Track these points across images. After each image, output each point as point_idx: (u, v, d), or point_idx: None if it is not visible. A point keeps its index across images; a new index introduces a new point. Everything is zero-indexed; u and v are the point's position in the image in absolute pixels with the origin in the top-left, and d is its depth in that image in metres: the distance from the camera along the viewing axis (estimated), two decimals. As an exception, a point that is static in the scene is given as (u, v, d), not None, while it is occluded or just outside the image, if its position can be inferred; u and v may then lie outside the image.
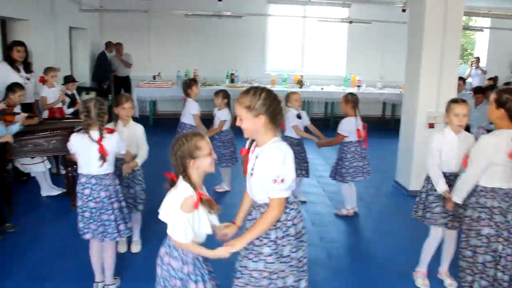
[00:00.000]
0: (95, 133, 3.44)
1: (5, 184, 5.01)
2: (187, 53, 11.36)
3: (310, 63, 12.03)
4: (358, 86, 10.80)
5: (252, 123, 2.45)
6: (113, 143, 3.51)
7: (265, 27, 11.55)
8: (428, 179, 3.81)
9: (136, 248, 4.41)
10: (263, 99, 2.44)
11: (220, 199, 5.91)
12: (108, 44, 10.65)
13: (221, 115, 5.90)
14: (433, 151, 3.69)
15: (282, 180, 2.40)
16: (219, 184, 6.21)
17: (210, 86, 10.70)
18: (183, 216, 2.43)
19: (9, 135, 4.70)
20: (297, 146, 5.46)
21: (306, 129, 5.66)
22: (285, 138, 5.52)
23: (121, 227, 3.57)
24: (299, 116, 5.45)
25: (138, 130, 4.22)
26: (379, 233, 5.04)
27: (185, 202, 2.42)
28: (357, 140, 5.23)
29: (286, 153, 2.45)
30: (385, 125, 11.10)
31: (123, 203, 3.66)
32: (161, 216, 2.53)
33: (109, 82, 10.50)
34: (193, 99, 6.01)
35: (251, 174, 2.53)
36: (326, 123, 10.46)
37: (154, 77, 11.01)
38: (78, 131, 3.62)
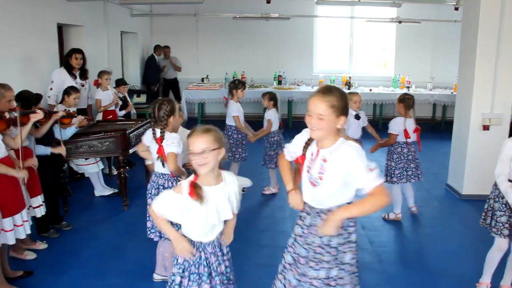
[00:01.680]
0: (158, 131, 3.55)
1: (62, 184, 5.19)
2: (234, 56, 11.45)
3: (358, 64, 11.88)
4: (408, 87, 10.57)
5: (333, 123, 2.38)
6: (172, 143, 3.51)
7: (313, 28, 11.49)
8: (496, 184, 3.56)
9: None
10: (345, 99, 2.40)
11: (268, 201, 5.94)
12: (157, 47, 10.86)
13: (268, 116, 5.93)
14: (505, 159, 3.41)
15: (373, 169, 2.34)
16: (266, 186, 6.22)
17: (258, 88, 10.75)
18: (173, 192, 2.47)
19: (63, 148, 4.83)
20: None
21: (364, 130, 5.60)
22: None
23: None
24: (357, 117, 5.40)
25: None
26: (431, 238, 4.91)
27: (180, 184, 2.50)
28: (404, 142, 5.15)
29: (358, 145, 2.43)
30: (435, 127, 10.84)
31: None
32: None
33: (158, 85, 10.71)
34: (234, 100, 6.00)
35: (320, 178, 2.45)
36: (374, 124, 10.25)
37: (202, 80, 11.15)
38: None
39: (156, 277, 3.91)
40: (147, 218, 3.63)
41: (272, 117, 5.90)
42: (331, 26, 11.86)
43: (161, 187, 3.59)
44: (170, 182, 3.59)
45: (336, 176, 2.39)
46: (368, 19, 10.48)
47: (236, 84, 6.01)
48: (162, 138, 3.50)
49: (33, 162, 4.11)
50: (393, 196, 5.21)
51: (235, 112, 5.89)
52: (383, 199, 2.35)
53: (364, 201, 2.38)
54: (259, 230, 5.05)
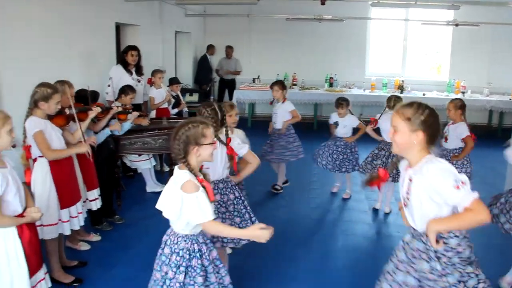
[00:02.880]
0: (223, 136, 3.44)
1: (116, 179, 5.34)
2: (286, 57, 11.47)
3: (411, 67, 11.64)
4: (463, 92, 10.26)
5: (407, 137, 2.32)
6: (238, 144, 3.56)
7: (366, 30, 11.36)
8: None
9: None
10: (426, 115, 2.30)
11: (345, 204, 5.95)
12: (209, 47, 10.99)
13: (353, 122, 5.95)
14: None
15: (462, 182, 2.20)
16: (335, 186, 6.28)
17: (309, 90, 10.72)
18: (195, 195, 2.45)
19: (118, 124, 5.05)
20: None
21: None
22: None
23: None
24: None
25: (241, 135, 4.25)
26: (484, 248, 4.75)
27: (186, 185, 2.46)
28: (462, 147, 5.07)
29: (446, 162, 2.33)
30: (492, 134, 10.47)
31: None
32: (166, 211, 2.60)
33: (210, 84, 10.84)
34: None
35: (407, 198, 2.39)
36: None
37: (253, 80, 11.22)
38: None
39: None
40: None
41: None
42: (385, 28, 11.68)
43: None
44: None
45: (422, 197, 2.31)
46: (423, 21, 10.25)
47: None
48: (230, 139, 3.43)
49: (93, 139, 4.24)
50: None
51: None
52: (479, 217, 2.20)
53: (461, 215, 2.24)
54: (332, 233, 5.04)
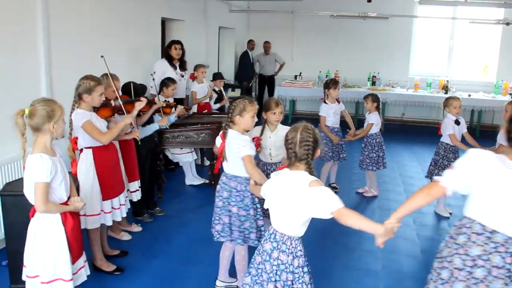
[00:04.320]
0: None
1: (157, 171, 5.44)
2: (329, 54, 11.38)
3: (457, 67, 11.34)
4: (511, 94, 9.94)
5: None
6: (244, 146, 3.35)
7: (411, 29, 11.13)
8: None
9: None
10: None
11: (369, 203, 5.91)
12: (249, 42, 10.97)
13: (370, 119, 5.89)
14: None
15: None
16: (362, 187, 6.21)
17: (351, 88, 10.61)
18: (324, 187, 2.49)
19: (166, 119, 5.13)
20: (452, 154, 5.32)
21: (462, 137, 5.37)
22: (440, 144, 5.41)
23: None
24: (457, 122, 5.25)
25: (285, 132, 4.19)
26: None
27: (315, 182, 2.48)
28: None
29: None
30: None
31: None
32: (287, 217, 2.54)
33: (252, 80, 10.84)
34: (329, 101, 5.93)
35: None
36: (471, 132, 9.74)
37: (295, 77, 11.18)
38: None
39: (220, 284, 3.77)
40: (217, 221, 3.55)
41: (375, 121, 5.86)
42: (431, 26, 11.41)
43: (234, 189, 3.46)
44: (243, 185, 3.44)
45: None
46: (471, 20, 9.96)
47: (327, 83, 6.01)
48: (224, 134, 3.42)
49: (137, 133, 4.33)
50: None
51: (321, 112, 5.93)
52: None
53: None
54: (347, 232, 5.00)
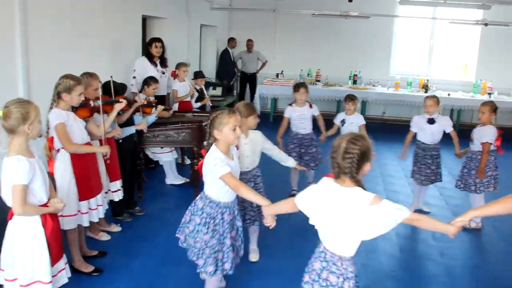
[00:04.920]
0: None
1: (138, 171, 5.40)
2: (311, 53, 11.41)
3: (437, 67, 11.47)
4: (489, 93, 10.07)
5: None
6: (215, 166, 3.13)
7: (392, 28, 11.22)
8: None
9: (254, 257, 4.30)
10: None
11: None
12: (230, 40, 10.94)
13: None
14: None
15: None
16: None
17: (332, 86, 10.66)
18: (386, 201, 2.40)
19: (145, 123, 5.10)
20: (429, 151, 5.42)
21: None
22: (418, 143, 5.51)
23: None
24: (430, 121, 5.34)
25: (259, 136, 4.10)
26: (507, 254, 4.70)
27: (375, 199, 2.36)
28: (493, 149, 5.01)
29: None
30: (517, 137, 10.29)
31: None
32: (351, 239, 2.46)
33: (233, 78, 10.81)
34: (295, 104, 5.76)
35: None
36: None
37: (277, 75, 11.19)
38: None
39: None
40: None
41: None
42: (411, 26, 11.52)
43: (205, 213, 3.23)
44: (214, 210, 3.20)
45: None
46: (451, 20, 10.06)
47: (294, 86, 5.88)
48: (205, 151, 3.18)
49: (118, 132, 4.31)
50: (475, 205, 5.00)
51: (285, 113, 5.84)
52: None
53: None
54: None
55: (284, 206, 2.76)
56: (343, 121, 5.78)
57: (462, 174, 5.24)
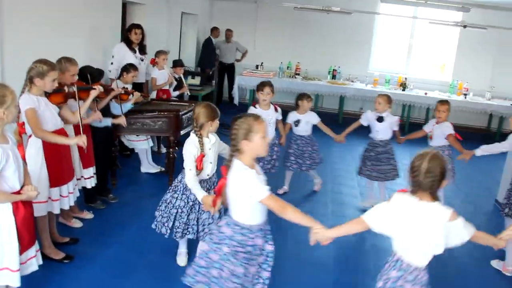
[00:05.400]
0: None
1: (112, 158, 5.35)
2: (291, 46, 11.42)
3: (415, 66, 11.59)
4: (465, 94, 10.22)
5: None
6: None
7: (373, 25, 11.29)
8: None
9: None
10: None
11: (321, 197, 5.93)
12: (213, 29, 10.84)
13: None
14: None
15: None
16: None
17: (311, 80, 10.69)
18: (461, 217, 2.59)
19: (123, 118, 5.05)
20: (381, 148, 5.53)
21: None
22: (369, 140, 5.63)
23: None
24: (379, 119, 5.45)
25: (217, 139, 3.73)
26: (471, 256, 4.78)
27: (454, 213, 2.53)
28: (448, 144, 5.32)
29: None
30: (490, 139, 10.44)
31: None
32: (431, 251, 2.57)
33: (213, 68, 10.75)
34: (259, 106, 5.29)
35: None
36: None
37: (256, 67, 11.16)
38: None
39: None
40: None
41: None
42: (392, 24, 11.60)
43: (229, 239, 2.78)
44: (239, 236, 2.77)
45: None
46: (431, 20, 10.17)
47: (258, 85, 5.29)
48: (227, 168, 2.77)
49: (98, 115, 4.32)
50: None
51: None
52: None
53: None
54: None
55: (353, 227, 2.72)
56: (297, 121, 5.64)
57: None
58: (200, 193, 3.34)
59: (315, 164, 5.84)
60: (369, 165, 5.54)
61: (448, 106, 5.34)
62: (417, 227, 2.48)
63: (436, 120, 5.38)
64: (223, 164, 2.80)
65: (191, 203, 3.69)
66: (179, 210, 3.73)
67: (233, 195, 2.69)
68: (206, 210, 3.32)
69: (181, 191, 3.74)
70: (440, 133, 5.28)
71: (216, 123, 3.59)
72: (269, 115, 5.15)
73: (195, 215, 3.71)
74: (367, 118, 5.58)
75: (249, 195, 2.60)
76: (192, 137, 3.55)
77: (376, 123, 5.48)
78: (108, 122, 4.88)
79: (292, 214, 2.65)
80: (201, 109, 3.53)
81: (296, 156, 5.70)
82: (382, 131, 5.48)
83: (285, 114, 5.65)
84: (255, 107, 5.22)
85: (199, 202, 3.54)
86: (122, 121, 5.04)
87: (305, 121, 5.66)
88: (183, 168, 3.56)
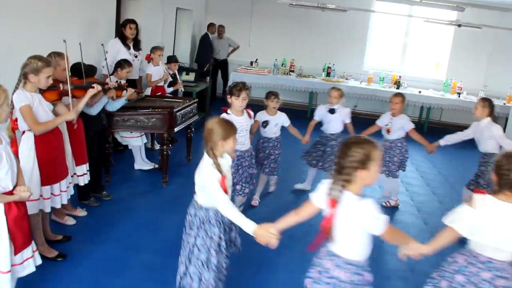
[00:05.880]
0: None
1: (106, 155, 5.32)
2: (286, 42, 11.38)
3: (410, 64, 11.60)
4: (459, 93, 10.24)
5: None
6: None
7: (368, 23, 11.28)
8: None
9: None
10: None
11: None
12: (210, 25, 10.80)
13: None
14: None
15: None
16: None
17: (306, 77, 10.68)
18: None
19: (132, 90, 5.21)
20: (333, 142, 5.64)
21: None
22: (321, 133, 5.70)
23: None
24: (331, 111, 5.56)
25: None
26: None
27: None
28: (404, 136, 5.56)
29: None
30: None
31: None
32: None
33: (209, 64, 10.70)
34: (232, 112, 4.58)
35: None
36: (419, 128, 10.01)
37: (251, 63, 11.13)
38: None
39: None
40: None
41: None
42: (387, 22, 11.60)
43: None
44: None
45: None
46: (426, 19, 10.17)
47: (230, 89, 4.60)
48: (336, 200, 2.41)
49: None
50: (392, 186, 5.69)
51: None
52: None
53: None
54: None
55: (446, 240, 2.63)
56: (265, 122, 5.21)
57: (384, 162, 5.50)
58: (248, 224, 2.74)
59: (276, 170, 5.46)
60: (315, 155, 5.66)
61: (402, 98, 5.45)
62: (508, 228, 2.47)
63: (391, 113, 5.50)
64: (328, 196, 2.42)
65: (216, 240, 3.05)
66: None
67: (346, 229, 2.40)
68: (265, 245, 2.67)
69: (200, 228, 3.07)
70: (399, 126, 5.44)
71: (232, 142, 3.02)
72: (243, 121, 4.49)
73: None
74: (319, 112, 5.64)
75: (368, 228, 2.37)
76: (206, 159, 2.98)
77: (328, 115, 5.55)
78: (122, 102, 5.03)
79: (402, 239, 2.65)
80: (212, 126, 2.98)
81: (263, 159, 5.30)
82: (334, 124, 5.58)
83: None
84: (227, 112, 4.43)
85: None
86: (131, 92, 5.16)
87: (274, 123, 5.25)
88: (193, 199, 3.11)
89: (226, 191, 2.88)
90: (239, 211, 2.85)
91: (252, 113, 4.71)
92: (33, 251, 3.05)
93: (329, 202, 2.39)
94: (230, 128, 2.99)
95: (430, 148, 5.44)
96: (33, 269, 3.04)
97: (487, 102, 5.03)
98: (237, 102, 4.40)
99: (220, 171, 2.91)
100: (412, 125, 5.44)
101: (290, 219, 2.66)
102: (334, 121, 5.58)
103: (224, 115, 4.24)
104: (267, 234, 2.63)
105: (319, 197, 2.49)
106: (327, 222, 2.40)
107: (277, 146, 5.34)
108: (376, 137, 2.99)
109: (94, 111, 4.72)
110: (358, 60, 11.39)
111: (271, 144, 5.31)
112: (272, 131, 5.27)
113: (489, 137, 4.94)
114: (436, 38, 11.55)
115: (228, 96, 4.47)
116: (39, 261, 3.12)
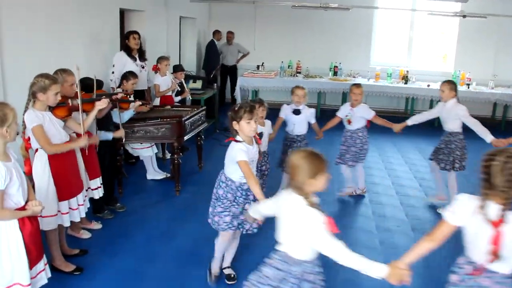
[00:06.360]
0: None
1: (117, 167, 5.36)
2: (291, 44, 11.41)
3: (416, 58, 11.55)
4: (468, 84, 10.17)
5: None
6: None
7: (372, 20, 11.26)
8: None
9: None
10: None
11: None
12: (215, 32, 10.88)
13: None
14: None
15: None
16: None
17: (313, 78, 10.68)
18: None
19: (122, 131, 5.01)
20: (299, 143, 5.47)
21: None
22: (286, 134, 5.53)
23: None
24: (296, 112, 5.40)
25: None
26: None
27: None
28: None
29: None
30: (495, 127, 10.39)
31: None
32: None
33: (215, 71, 10.76)
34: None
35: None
36: (430, 122, 9.93)
37: (257, 67, 11.16)
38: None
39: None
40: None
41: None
42: (391, 18, 11.57)
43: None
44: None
45: None
46: (430, 12, 10.13)
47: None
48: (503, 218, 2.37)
49: (95, 140, 4.28)
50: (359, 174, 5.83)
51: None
52: None
53: None
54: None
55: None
56: (259, 135, 4.81)
57: (342, 151, 5.68)
58: (379, 267, 2.46)
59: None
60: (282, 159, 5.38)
61: (362, 89, 5.57)
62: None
63: (351, 103, 5.55)
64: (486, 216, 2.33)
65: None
66: None
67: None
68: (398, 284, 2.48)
69: None
70: (359, 116, 5.52)
71: (323, 180, 2.54)
72: (255, 151, 3.53)
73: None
74: (284, 111, 5.47)
75: None
76: (298, 201, 2.52)
77: (292, 116, 5.39)
78: (109, 136, 4.86)
79: None
80: (299, 161, 2.52)
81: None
82: (299, 125, 5.41)
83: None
84: (236, 140, 3.40)
85: None
86: (121, 134, 4.99)
87: (266, 133, 4.99)
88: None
89: (335, 230, 2.47)
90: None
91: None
92: (45, 264, 3.11)
93: (488, 221, 2.31)
94: (320, 163, 2.52)
95: (397, 128, 5.57)
96: (45, 281, 3.10)
97: (453, 84, 5.28)
98: (248, 126, 3.35)
99: (321, 211, 2.49)
100: (373, 113, 5.52)
101: (423, 247, 2.50)
102: (299, 122, 5.39)
103: (233, 144, 3.41)
104: (399, 272, 2.42)
105: (459, 215, 2.41)
106: (494, 242, 2.30)
107: (267, 161, 5.12)
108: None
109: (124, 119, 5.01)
110: (364, 57, 11.37)
111: (263, 160, 5.00)
112: (265, 143, 4.97)
113: (455, 116, 5.19)
114: (442, 30, 11.49)
115: (237, 121, 3.36)
116: (49, 274, 3.17)
